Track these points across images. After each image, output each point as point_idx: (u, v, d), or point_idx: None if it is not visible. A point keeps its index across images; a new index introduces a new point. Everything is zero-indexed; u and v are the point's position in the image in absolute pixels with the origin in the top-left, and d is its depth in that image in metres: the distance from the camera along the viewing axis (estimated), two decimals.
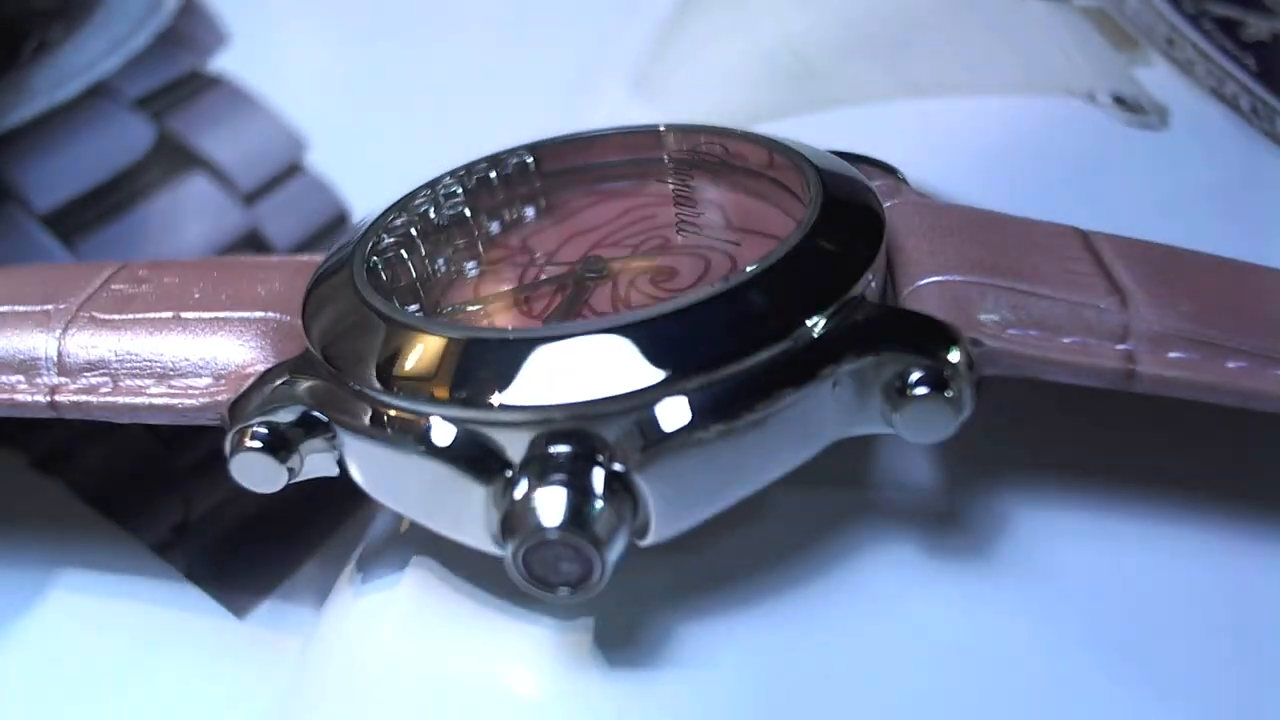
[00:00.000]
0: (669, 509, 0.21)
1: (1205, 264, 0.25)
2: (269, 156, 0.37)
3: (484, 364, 0.21)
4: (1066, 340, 0.23)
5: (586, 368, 0.21)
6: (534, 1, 0.40)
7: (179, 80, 0.37)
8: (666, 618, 0.22)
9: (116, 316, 0.25)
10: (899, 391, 0.21)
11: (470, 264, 0.26)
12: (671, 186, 0.27)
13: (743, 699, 0.21)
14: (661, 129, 0.28)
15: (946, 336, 0.21)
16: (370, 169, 0.37)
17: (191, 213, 0.36)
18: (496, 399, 0.21)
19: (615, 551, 0.20)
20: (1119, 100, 0.35)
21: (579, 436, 0.21)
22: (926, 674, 0.22)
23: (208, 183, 0.37)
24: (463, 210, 0.27)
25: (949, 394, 0.21)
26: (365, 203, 0.37)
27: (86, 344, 0.25)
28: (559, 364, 0.21)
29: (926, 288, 0.23)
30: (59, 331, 0.25)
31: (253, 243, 0.36)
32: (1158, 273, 0.24)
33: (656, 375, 0.20)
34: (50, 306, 0.26)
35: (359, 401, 0.22)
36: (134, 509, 0.27)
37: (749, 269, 0.22)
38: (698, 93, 0.36)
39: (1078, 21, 0.37)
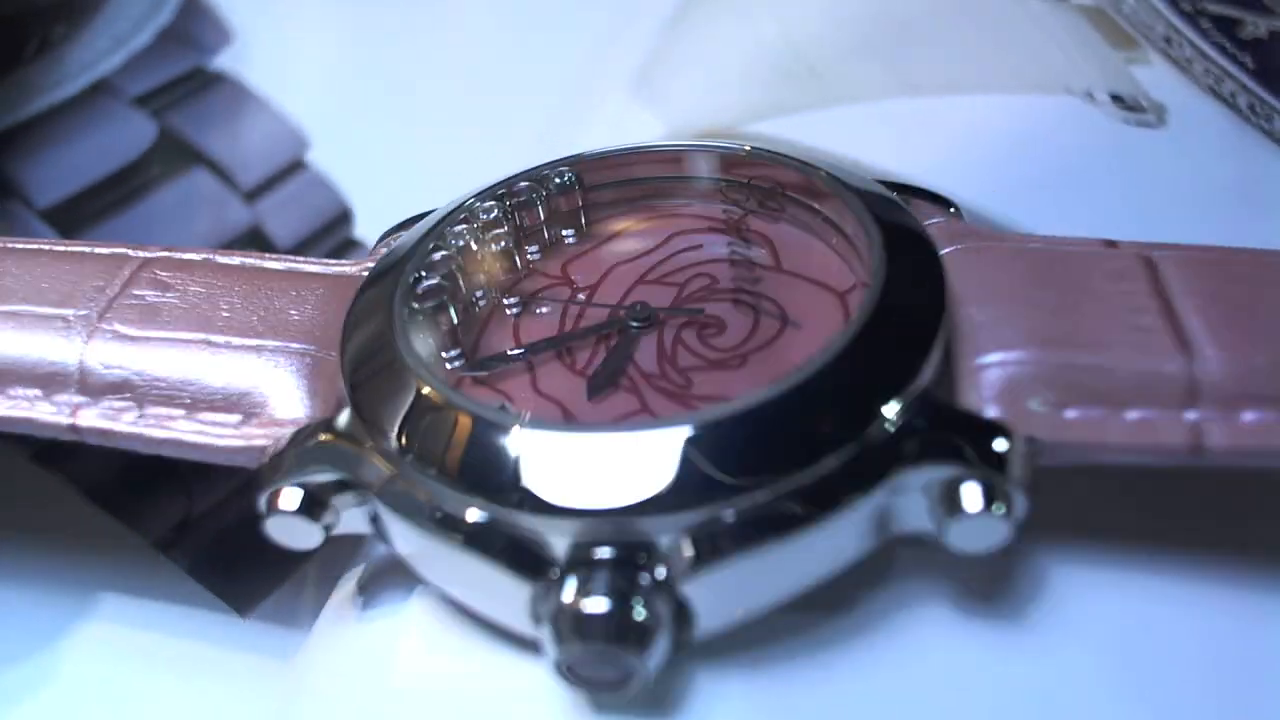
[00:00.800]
0: (715, 614, 0.21)
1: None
2: (271, 154, 0.37)
3: (533, 459, 0.20)
4: (1130, 416, 0.21)
5: (640, 470, 0.20)
6: (536, 1, 0.40)
7: (181, 78, 0.38)
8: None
9: (141, 334, 0.24)
10: (949, 501, 0.20)
11: (511, 300, 0.25)
12: (721, 211, 0.26)
13: None
14: (708, 147, 0.27)
15: (1003, 446, 0.20)
16: (372, 167, 0.37)
17: (193, 209, 0.36)
18: (548, 497, 0.20)
19: (657, 658, 0.20)
20: (1117, 99, 0.35)
21: (630, 543, 0.20)
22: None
23: (209, 179, 0.37)
24: (503, 236, 0.26)
25: (999, 510, 0.20)
26: (366, 200, 0.37)
27: (110, 361, 0.24)
28: (612, 463, 0.20)
29: (985, 370, 0.22)
30: (81, 344, 0.24)
31: (254, 239, 0.36)
32: (1233, 311, 0.22)
33: (716, 485, 0.20)
34: (70, 312, 0.24)
35: (403, 483, 0.21)
36: (136, 506, 0.27)
37: (813, 364, 0.21)
38: (699, 92, 0.36)
39: (1076, 20, 0.37)
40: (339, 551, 0.24)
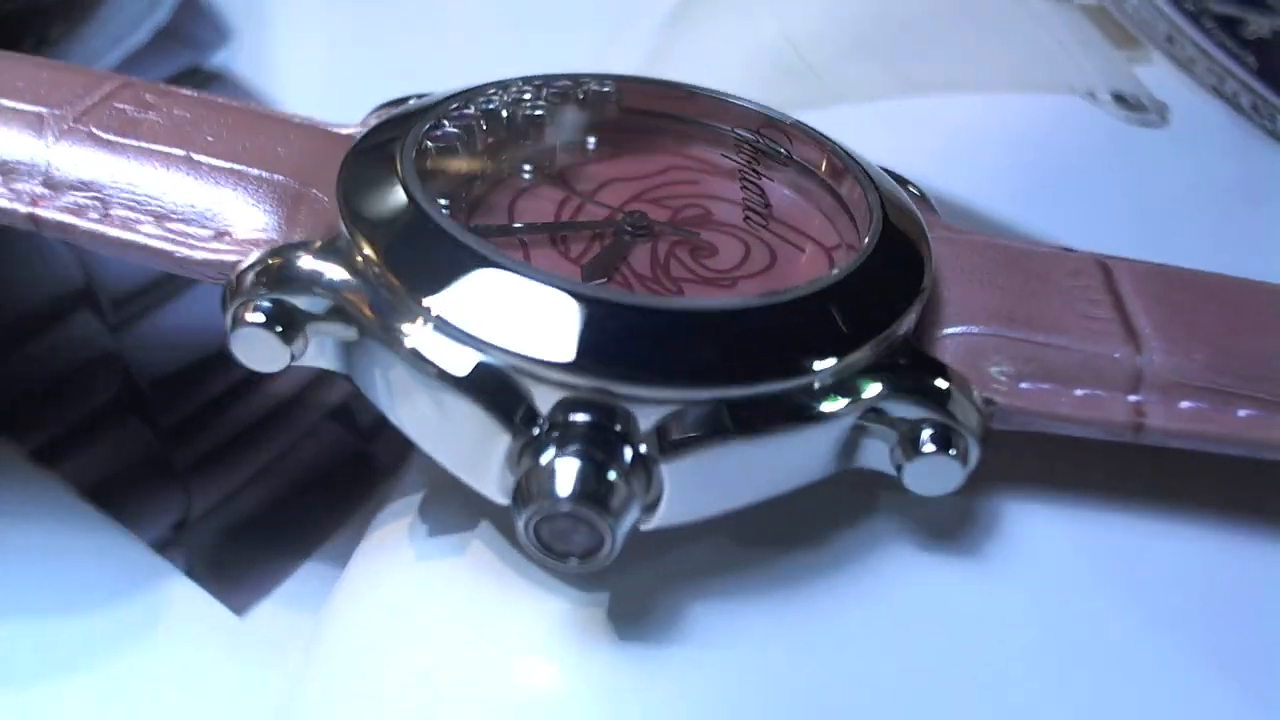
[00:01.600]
0: (681, 500, 0.21)
1: (1228, 295, 0.25)
2: None
3: (538, 314, 0.20)
4: (1078, 393, 0.23)
5: (640, 347, 0.20)
6: (536, 1, 0.40)
7: (179, 77, 0.37)
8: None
9: (118, 139, 0.23)
10: (911, 442, 0.22)
11: (512, 177, 0.25)
12: (726, 160, 0.27)
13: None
14: (739, 103, 0.27)
15: (964, 395, 0.22)
16: None
17: None
18: (546, 354, 0.20)
19: (625, 526, 0.20)
20: (1119, 98, 0.35)
21: (612, 411, 0.20)
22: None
23: None
24: (532, 115, 0.26)
25: (954, 453, 0.21)
26: None
27: (80, 159, 0.23)
28: (614, 331, 0.20)
29: (949, 339, 0.23)
30: (50, 139, 0.23)
31: None
32: (1176, 313, 0.24)
33: (710, 374, 0.20)
34: (44, 110, 0.24)
35: (403, 316, 0.21)
36: (134, 506, 0.27)
37: (815, 283, 0.22)
38: None
39: (1078, 19, 0.37)
40: (339, 551, 0.24)
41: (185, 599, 0.26)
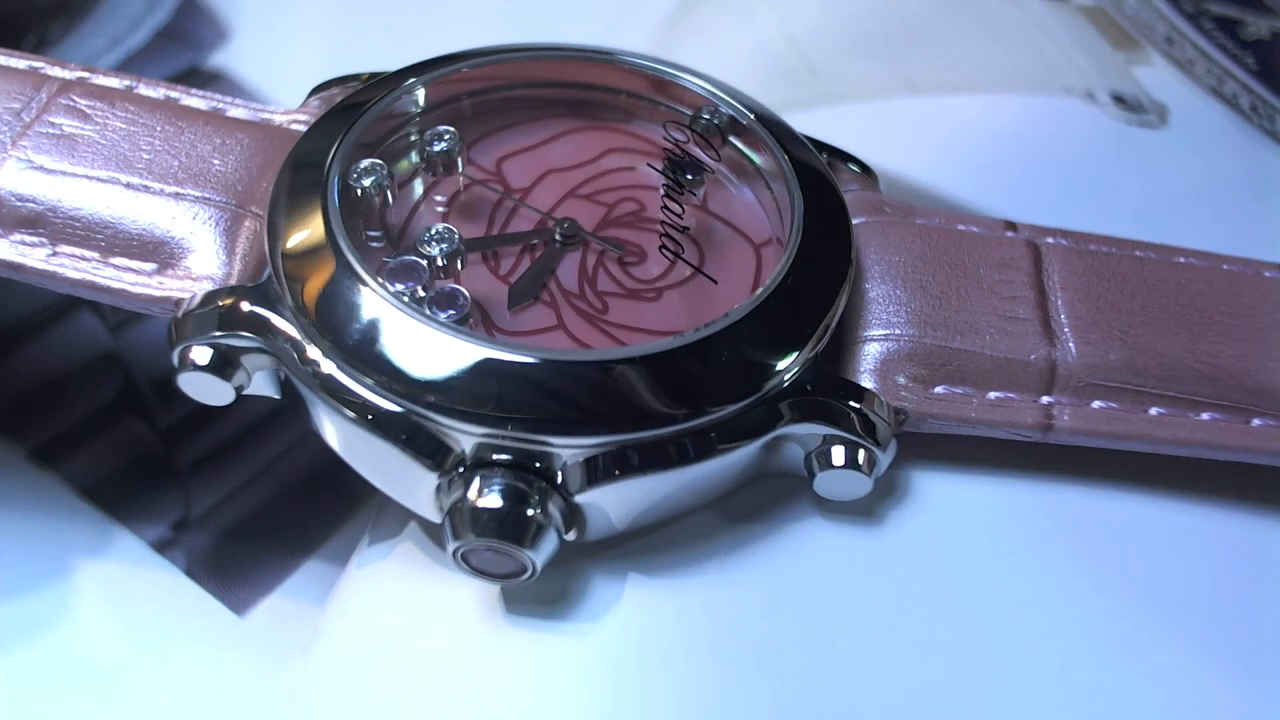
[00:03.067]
0: (600, 525, 0.22)
1: (1159, 283, 0.25)
2: None
3: (450, 362, 0.21)
4: (991, 396, 0.24)
5: (551, 392, 0.21)
6: (536, 1, 0.40)
7: (178, 76, 0.37)
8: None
9: (56, 167, 0.24)
10: (821, 456, 0.23)
11: (441, 197, 0.25)
12: (662, 138, 0.27)
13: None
14: (668, 73, 0.27)
15: (873, 412, 0.23)
16: None
17: None
18: (460, 402, 0.21)
19: (546, 554, 0.22)
20: (1118, 99, 0.35)
21: (529, 451, 0.21)
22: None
23: None
24: (448, 125, 0.26)
25: (863, 466, 0.23)
26: None
27: (24, 192, 0.23)
28: (526, 380, 0.21)
29: (867, 343, 0.24)
30: None
31: None
32: (1099, 309, 0.25)
33: (618, 418, 0.21)
34: None
35: (326, 361, 0.22)
36: (134, 506, 0.27)
37: (724, 319, 0.22)
38: None
39: (1077, 20, 0.37)
40: (339, 551, 0.24)
41: (185, 599, 0.26)
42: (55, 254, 0.23)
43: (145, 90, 0.26)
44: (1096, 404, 0.24)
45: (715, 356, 0.22)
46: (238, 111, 0.26)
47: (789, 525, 0.24)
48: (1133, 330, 0.25)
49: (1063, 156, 0.33)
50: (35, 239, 0.23)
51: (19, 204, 0.23)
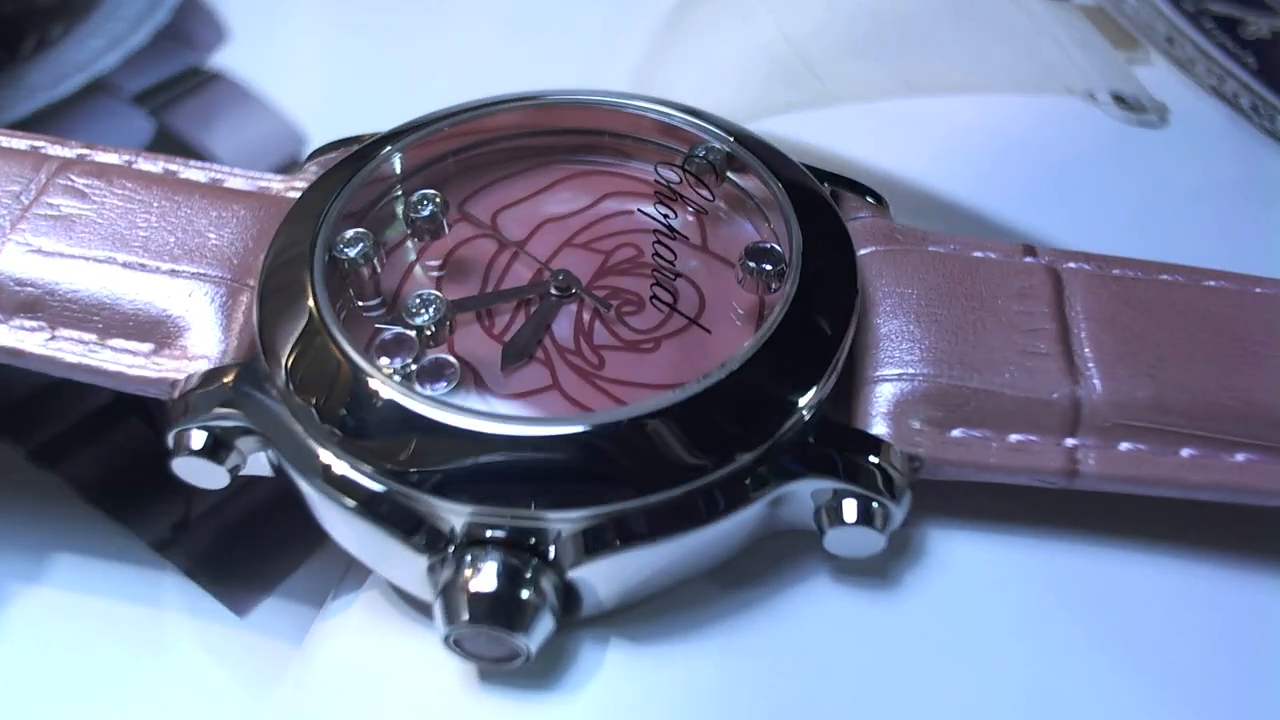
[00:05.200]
0: (598, 600, 0.22)
1: (1189, 310, 0.24)
2: (268, 152, 0.37)
3: (435, 441, 0.21)
4: (1012, 439, 0.22)
5: (539, 465, 0.21)
6: (536, 1, 0.40)
7: (178, 76, 0.37)
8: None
9: (54, 249, 0.24)
10: (832, 511, 0.22)
11: (433, 262, 0.25)
12: (656, 179, 0.26)
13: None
14: (658, 112, 0.27)
15: (883, 463, 0.22)
16: None
17: None
18: (446, 482, 0.21)
19: (540, 637, 0.21)
20: (1119, 99, 0.35)
21: (523, 528, 0.21)
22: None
23: None
24: (435, 188, 0.25)
25: (877, 523, 0.22)
26: None
27: (22, 276, 0.23)
28: (513, 454, 0.21)
29: (878, 383, 0.23)
30: None
31: None
32: (1125, 341, 0.23)
33: (608, 488, 0.21)
34: None
35: (313, 444, 0.22)
36: (134, 506, 0.27)
37: (715, 374, 0.21)
38: (697, 91, 0.35)
39: (1077, 20, 0.37)
40: (336, 552, 0.24)
41: (185, 599, 0.26)
42: (54, 338, 0.23)
43: (144, 165, 0.26)
44: (1124, 446, 0.22)
45: (712, 412, 0.21)
46: (236, 182, 0.26)
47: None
48: (1161, 364, 0.23)
49: (1063, 156, 0.33)
50: (34, 323, 0.23)
51: (18, 289, 0.23)
